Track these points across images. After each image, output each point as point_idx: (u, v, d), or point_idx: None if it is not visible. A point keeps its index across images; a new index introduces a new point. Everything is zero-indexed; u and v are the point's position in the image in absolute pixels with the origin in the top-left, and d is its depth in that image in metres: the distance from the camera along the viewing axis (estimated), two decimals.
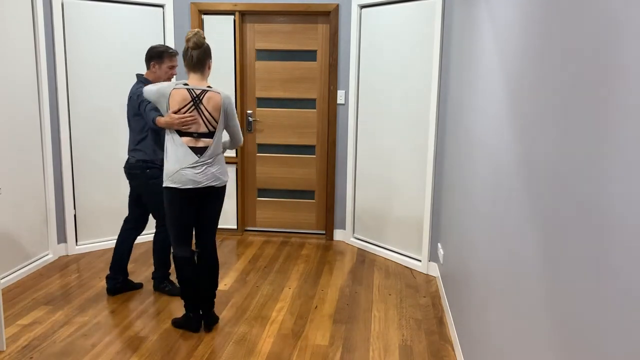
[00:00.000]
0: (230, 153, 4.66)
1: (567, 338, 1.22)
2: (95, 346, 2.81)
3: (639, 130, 0.91)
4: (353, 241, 4.57)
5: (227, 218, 4.78)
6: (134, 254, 4.21)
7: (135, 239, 3.44)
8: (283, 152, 4.71)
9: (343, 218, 4.63)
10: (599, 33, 1.10)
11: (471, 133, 2.65)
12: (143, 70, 4.14)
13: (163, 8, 4.34)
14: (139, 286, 3.55)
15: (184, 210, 2.88)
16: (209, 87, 2.85)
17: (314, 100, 4.58)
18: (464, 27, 3.05)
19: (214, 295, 3.04)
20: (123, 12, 4.16)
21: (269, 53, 4.56)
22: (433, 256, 3.92)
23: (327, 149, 4.60)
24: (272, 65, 4.57)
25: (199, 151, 2.83)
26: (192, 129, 2.81)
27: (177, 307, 3.29)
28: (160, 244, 3.43)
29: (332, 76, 4.42)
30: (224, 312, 3.24)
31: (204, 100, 2.81)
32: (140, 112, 3.10)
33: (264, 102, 4.65)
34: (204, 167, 2.85)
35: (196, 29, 2.84)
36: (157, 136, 3.23)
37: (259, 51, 4.56)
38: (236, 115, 2.97)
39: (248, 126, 4.67)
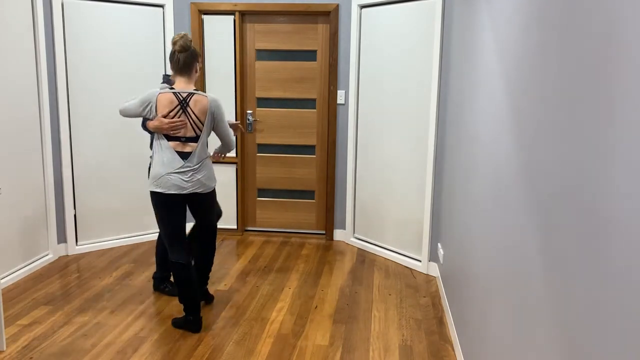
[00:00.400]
0: (230, 153, 4.65)
1: (567, 338, 1.22)
2: (95, 346, 2.81)
3: (639, 130, 0.91)
4: (353, 241, 4.57)
5: (227, 218, 4.78)
6: (134, 254, 4.21)
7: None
8: (283, 152, 4.71)
9: (343, 218, 4.63)
10: (599, 33, 1.10)
11: (471, 133, 2.65)
12: (143, 70, 4.14)
13: (163, 8, 4.34)
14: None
15: (171, 212, 2.89)
16: (195, 90, 2.86)
17: (314, 100, 4.58)
18: (464, 27, 3.05)
19: (209, 270, 3.22)
20: (123, 12, 4.15)
21: (269, 53, 4.56)
22: (433, 256, 3.92)
23: (327, 149, 4.60)
24: (272, 65, 4.57)
25: (185, 156, 2.84)
26: (181, 133, 2.82)
27: (177, 307, 3.29)
28: (162, 245, 3.44)
29: (332, 76, 4.42)
30: (224, 312, 3.24)
31: (190, 103, 2.81)
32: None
33: (264, 102, 4.65)
34: (190, 173, 2.85)
35: (183, 32, 2.86)
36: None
37: (259, 51, 4.56)
38: (225, 119, 2.96)
39: (248, 126, 4.67)
